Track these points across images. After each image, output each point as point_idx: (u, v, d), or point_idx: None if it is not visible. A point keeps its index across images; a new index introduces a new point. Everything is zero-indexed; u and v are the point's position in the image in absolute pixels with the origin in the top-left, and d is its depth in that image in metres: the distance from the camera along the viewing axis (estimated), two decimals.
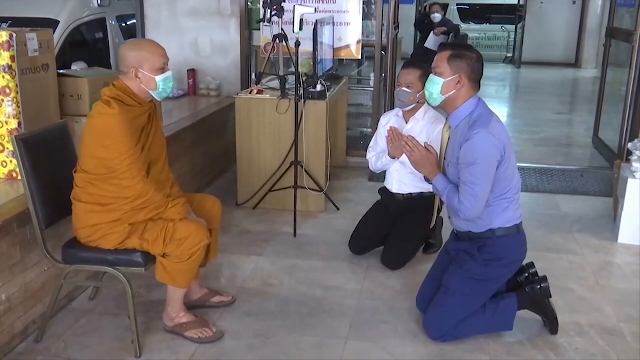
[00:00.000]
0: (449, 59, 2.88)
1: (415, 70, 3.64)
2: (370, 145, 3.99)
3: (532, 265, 3.25)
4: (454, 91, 2.88)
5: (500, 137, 2.83)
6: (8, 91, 2.99)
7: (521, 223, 3.04)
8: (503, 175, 2.87)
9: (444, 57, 2.89)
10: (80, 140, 2.88)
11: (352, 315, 3.28)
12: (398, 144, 3.63)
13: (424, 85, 3.59)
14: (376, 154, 3.87)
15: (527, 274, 3.20)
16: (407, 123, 3.77)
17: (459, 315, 3.00)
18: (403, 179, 3.82)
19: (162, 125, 3.09)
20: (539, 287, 3.10)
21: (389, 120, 3.89)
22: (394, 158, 3.68)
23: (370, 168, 3.95)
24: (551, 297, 3.13)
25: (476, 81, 2.90)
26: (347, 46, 5.55)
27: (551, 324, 3.12)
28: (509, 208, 2.95)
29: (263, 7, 4.46)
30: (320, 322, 3.23)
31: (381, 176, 4.08)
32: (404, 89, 3.65)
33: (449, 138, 3.01)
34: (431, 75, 2.94)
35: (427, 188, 3.49)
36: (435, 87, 2.91)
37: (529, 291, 3.10)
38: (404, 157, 3.64)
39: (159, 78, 2.84)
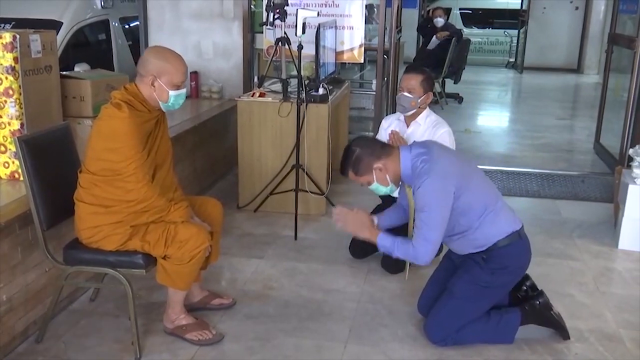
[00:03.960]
0: (358, 169, 2.91)
1: (416, 75, 3.64)
2: None
3: (527, 277, 3.23)
4: (386, 176, 2.90)
5: (447, 174, 2.81)
6: (11, 92, 3.00)
7: (522, 228, 3.03)
8: (470, 199, 2.86)
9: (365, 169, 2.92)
10: (85, 141, 2.89)
11: (351, 318, 3.29)
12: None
13: (425, 90, 3.61)
14: None
15: (524, 288, 3.20)
16: (408, 127, 3.78)
17: (461, 319, 3.00)
18: None
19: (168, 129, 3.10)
20: (537, 302, 3.11)
21: (390, 123, 3.90)
22: None
23: None
24: (552, 309, 3.13)
25: (382, 153, 2.90)
26: (350, 50, 5.56)
27: (560, 331, 3.13)
28: (498, 218, 2.94)
29: (266, 10, 4.47)
30: (320, 325, 3.24)
31: None
32: (405, 94, 3.65)
33: None
34: (371, 186, 2.96)
35: None
36: (381, 189, 2.96)
37: (529, 309, 3.10)
38: None
39: (172, 93, 2.85)
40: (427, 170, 2.79)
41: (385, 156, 2.89)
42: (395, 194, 3.17)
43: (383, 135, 3.86)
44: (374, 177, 2.90)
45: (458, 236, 2.97)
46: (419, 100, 3.63)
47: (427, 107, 3.73)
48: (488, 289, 2.99)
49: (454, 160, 2.92)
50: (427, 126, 3.72)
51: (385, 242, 2.93)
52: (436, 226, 2.80)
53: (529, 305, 3.11)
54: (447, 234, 2.98)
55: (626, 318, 3.38)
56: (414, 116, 3.75)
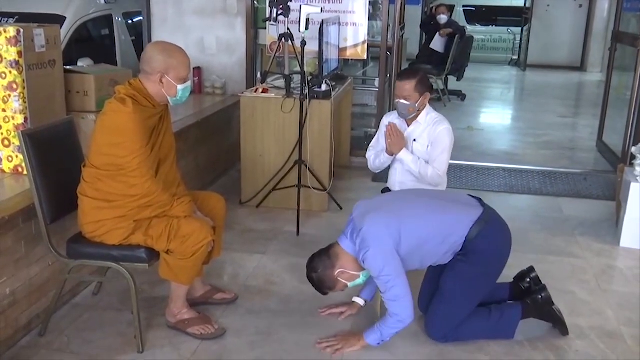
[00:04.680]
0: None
1: (409, 81, 3.56)
2: (371, 145, 3.97)
3: (532, 269, 3.27)
4: (350, 273, 2.94)
5: (378, 236, 2.81)
6: (15, 86, 3.01)
7: (483, 213, 2.98)
8: (416, 234, 2.87)
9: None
10: (90, 135, 2.90)
11: (353, 314, 3.29)
12: (396, 139, 3.62)
13: (421, 93, 3.58)
14: (375, 152, 3.86)
15: (528, 279, 3.23)
16: (408, 126, 3.75)
17: (457, 316, 3.02)
18: (404, 180, 3.81)
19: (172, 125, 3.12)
20: (539, 297, 3.13)
21: (391, 120, 3.88)
22: (392, 155, 3.68)
23: (369, 166, 3.92)
24: (554, 304, 3.14)
25: (332, 259, 2.95)
26: (353, 46, 5.56)
27: (560, 327, 3.15)
28: (454, 224, 2.93)
29: (269, 6, 4.48)
30: (322, 320, 3.24)
31: (384, 177, 4.09)
32: (402, 101, 3.60)
33: None
34: (349, 286, 3.01)
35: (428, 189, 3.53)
36: (357, 282, 3.00)
37: (531, 303, 3.12)
38: (402, 155, 3.63)
39: (180, 87, 2.87)
40: (361, 243, 2.83)
41: (335, 259, 2.95)
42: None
43: (384, 131, 3.84)
44: (343, 281, 2.97)
45: (432, 261, 3.00)
46: (416, 105, 3.60)
47: (427, 105, 3.71)
48: (474, 281, 2.99)
49: (377, 215, 2.90)
50: (427, 124, 3.69)
51: (374, 337, 2.94)
52: (397, 282, 2.82)
53: (531, 299, 3.12)
54: (422, 266, 3.03)
55: (627, 316, 3.38)
56: (415, 117, 3.73)
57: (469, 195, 3.17)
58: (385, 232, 2.83)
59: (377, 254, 2.80)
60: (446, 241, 2.91)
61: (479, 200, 3.11)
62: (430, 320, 3.08)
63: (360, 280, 3.01)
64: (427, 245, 2.91)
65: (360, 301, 3.27)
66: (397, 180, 3.81)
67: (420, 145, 3.66)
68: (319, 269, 2.97)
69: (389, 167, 3.86)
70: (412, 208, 2.99)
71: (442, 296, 3.03)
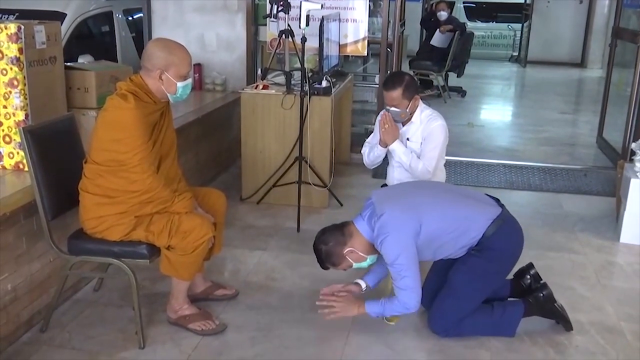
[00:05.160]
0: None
1: (395, 90, 3.54)
2: (367, 140, 3.95)
3: (531, 266, 3.29)
4: (359, 253, 2.97)
5: (399, 223, 2.84)
6: (16, 83, 3.01)
7: (502, 212, 3.01)
8: (434, 225, 2.89)
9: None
10: (91, 131, 2.91)
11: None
12: (390, 129, 3.62)
13: (409, 98, 3.57)
14: (370, 146, 3.85)
15: (528, 277, 3.25)
16: (403, 125, 3.74)
17: (464, 310, 3.03)
18: (402, 178, 3.80)
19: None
20: (541, 295, 3.14)
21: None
22: (386, 146, 3.67)
23: (364, 161, 3.90)
24: (555, 301, 3.15)
25: (344, 237, 2.98)
26: (353, 42, 5.57)
27: (564, 323, 3.16)
28: (472, 220, 2.95)
29: (269, 2, 4.47)
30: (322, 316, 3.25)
31: (384, 173, 4.09)
32: (393, 108, 3.60)
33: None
34: (353, 266, 3.04)
35: None
36: (362, 264, 3.02)
37: (533, 301, 3.13)
38: (395, 146, 3.62)
39: (180, 84, 2.87)
40: (380, 229, 2.85)
41: (348, 237, 2.97)
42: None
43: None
44: (350, 260, 2.99)
45: (445, 254, 3.01)
46: (407, 110, 3.60)
47: (420, 103, 3.68)
48: (486, 277, 3.01)
49: (399, 203, 2.94)
50: (420, 122, 3.66)
51: (375, 309, 3.00)
52: (409, 273, 2.84)
53: (532, 297, 3.13)
54: (434, 257, 3.04)
55: (627, 311, 3.39)
56: (408, 119, 3.71)
57: (487, 194, 3.18)
58: (406, 221, 2.85)
59: (395, 241, 2.82)
60: (464, 236, 2.93)
61: (497, 200, 3.13)
62: (435, 313, 3.09)
63: (365, 263, 3.02)
64: (444, 237, 2.92)
65: (362, 283, 3.24)
66: (396, 177, 3.81)
67: (414, 143, 3.65)
68: (329, 242, 2.98)
69: (387, 164, 3.86)
70: (434, 202, 3.00)
71: (451, 289, 3.04)
